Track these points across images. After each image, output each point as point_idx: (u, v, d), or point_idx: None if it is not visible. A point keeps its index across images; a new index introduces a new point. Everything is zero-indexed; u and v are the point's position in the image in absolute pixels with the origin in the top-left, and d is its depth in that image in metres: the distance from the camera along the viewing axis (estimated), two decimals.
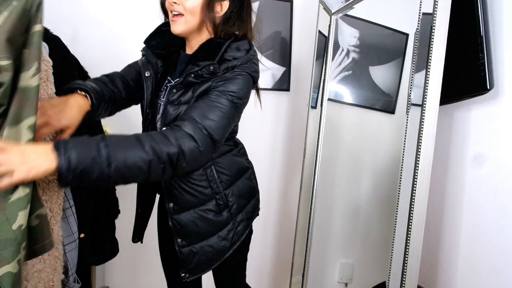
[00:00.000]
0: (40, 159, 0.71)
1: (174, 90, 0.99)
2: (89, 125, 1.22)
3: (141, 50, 1.09)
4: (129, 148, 0.80)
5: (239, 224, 1.10)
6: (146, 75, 1.04)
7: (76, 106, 0.90)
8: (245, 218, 1.13)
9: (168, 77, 1.06)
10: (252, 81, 1.01)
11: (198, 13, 0.95)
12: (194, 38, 1.02)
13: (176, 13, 0.95)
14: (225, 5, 0.99)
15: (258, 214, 1.22)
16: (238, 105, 0.96)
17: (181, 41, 1.06)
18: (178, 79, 1.01)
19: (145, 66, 1.05)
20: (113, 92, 1.06)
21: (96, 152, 0.76)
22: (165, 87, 1.05)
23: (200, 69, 0.94)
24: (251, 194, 1.17)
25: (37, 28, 0.73)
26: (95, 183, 0.79)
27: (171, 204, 1.05)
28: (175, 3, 0.94)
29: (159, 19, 1.80)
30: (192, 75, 0.95)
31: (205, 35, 1.01)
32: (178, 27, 0.97)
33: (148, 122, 1.08)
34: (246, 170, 1.16)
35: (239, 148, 1.18)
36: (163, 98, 1.04)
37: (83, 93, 0.94)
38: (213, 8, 0.96)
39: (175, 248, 1.07)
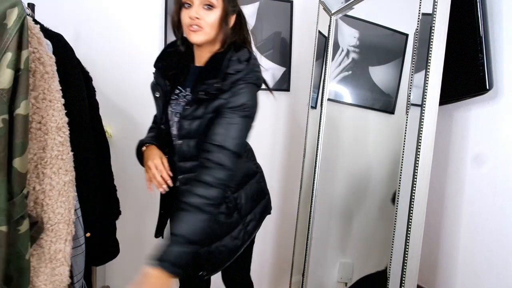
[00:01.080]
0: (161, 284, 0.92)
1: (187, 107, 1.06)
2: (91, 126, 1.23)
3: (153, 73, 1.16)
4: (195, 223, 0.96)
5: (248, 224, 1.20)
6: (157, 95, 1.13)
7: (156, 150, 1.13)
8: (254, 219, 1.22)
9: (179, 87, 1.13)
10: (257, 88, 1.08)
11: (216, 27, 1.05)
12: (207, 48, 1.10)
13: (195, 26, 1.03)
14: (233, 18, 1.09)
15: (269, 213, 1.33)
16: (250, 116, 1.04)
17: (187, 56, 1.15)
18: (189, 94, 1.10)
19: (155, 88, 1.13)
20: (161, 132, 1.17)
21: (183, 248, 0.95)
22: (175, 96, 1.12)
23: (207, 87, 1.02)
24: (260, 196, 1.27)
25: (25, 54, 0.75)
26: (200, 260, 1.08)
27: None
28: (197, 18, 1.02)
29: (160, 20, 1.81)
30: (201, 93, 1.03)
31: (216, 46, 1.10)
32: (199, 38, 1.04)
33: (165, 135, 1.16)
34: (254, 175, 1.26)
35: (247, 153, 1.25)
36: (174, 106, 1.12)
37: (150, 144, 1.15)
38: (228, 21, 1.06)
39: None
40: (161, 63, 1.14)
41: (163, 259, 0.93)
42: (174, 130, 1.12)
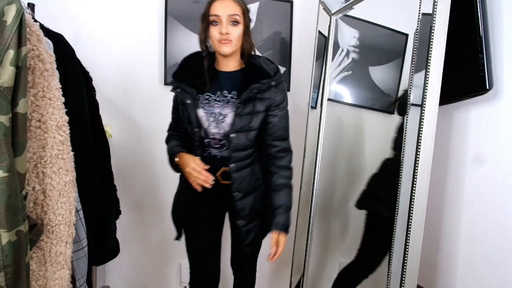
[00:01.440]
0: (286, 240, 1.33)
1: (239, 104, 1.25)
2: (91, 126, 1.23)
3: (172, 83, 1.32)
4: (288, 196, 1.36)
5: None
6: (188, 102, 1.27)
7: (187, 156, 1.28)
8: None
9: (208, 93, 1.29)
10: None
11: (241, 39, 1.27)
12: (234, 57, 1.31)
13: (225, 40, 1.23)
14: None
15: None
16: (287, 106, 1.36)
17: (211, 67, 1.33)
18: (226, 96, 1.29)
19: (184, 95, 1.28)
20: (193, 135, 1.32)
21: (288, 214, 1.34)
22: (206, 101, 1.29)
23: (261, 85, 1.25)
24: None
25: (24, 51, 0.75)
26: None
27: (237, 193, 1.31)
28: (227, 33, 1.23)
29: (160, 20, 1.81)
30: (255, 91, 1.25)
31: (239, 55, 1.32)
32: (228, 49, 1.25)
33: (198, 137, 1.30)
34: None
35: None
36: (208, 108, 1.28)
37: (180, 153, 1.31)
38: (249, 33, 1.29)
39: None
40: (182, 74, 1.31)
41: (284, 225, 1.30)
42: (212, 129, 1.28)
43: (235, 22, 1.24)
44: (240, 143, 1.27)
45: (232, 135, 1.25)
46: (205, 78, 1.30)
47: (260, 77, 1.27)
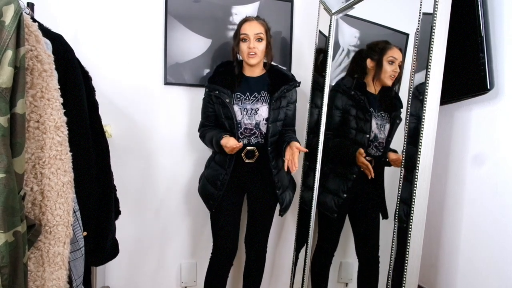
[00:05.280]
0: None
1: (274, 101, 1.57)
2: (91, 126, 1.22)
3: (208, 87, 1.61)
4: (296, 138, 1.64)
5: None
6: (227, 101, 1.55)
7: (228, 137, 1.52)
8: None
9: (238, 93, 1.59)
10: None
11: (264, 52, 1.59)
12: (258, 65, 1.62)
13: (252, 53, 1.55)
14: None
15: None
16: None
17: (240, 72, 1.64)
18: (256, 96, 1.59)
19: (223, 96, 1.56)
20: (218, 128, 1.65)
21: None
22: (238, 100, 1.59)
23: (289, 86, 1.60)
24: None
25: (22, 51, 0.74)
26: None
27: (274, 170, 1.61)
28: (254, 48, 1.55)
29: (160, 20, 1.81)
30: (285, 90, 1.59)
31: (262, 64, 1.64)
32: (254, 60, 1.57)
33: (230, 128, 1.58)
34: None
35: None
36: (241, 104, 1.58)
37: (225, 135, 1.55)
38: (270, 48, 1.61)
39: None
40: (216, 79, 1.61)
41: (296, 141, 1.54)
42: (245, 120, 1.57)
43: (259, 39, 1.55)
44: (275, 130, 1.59)
45: (270, 125, 1.57)
46: (235, 81, 1.61)
47: (287, 80, 1.61)
